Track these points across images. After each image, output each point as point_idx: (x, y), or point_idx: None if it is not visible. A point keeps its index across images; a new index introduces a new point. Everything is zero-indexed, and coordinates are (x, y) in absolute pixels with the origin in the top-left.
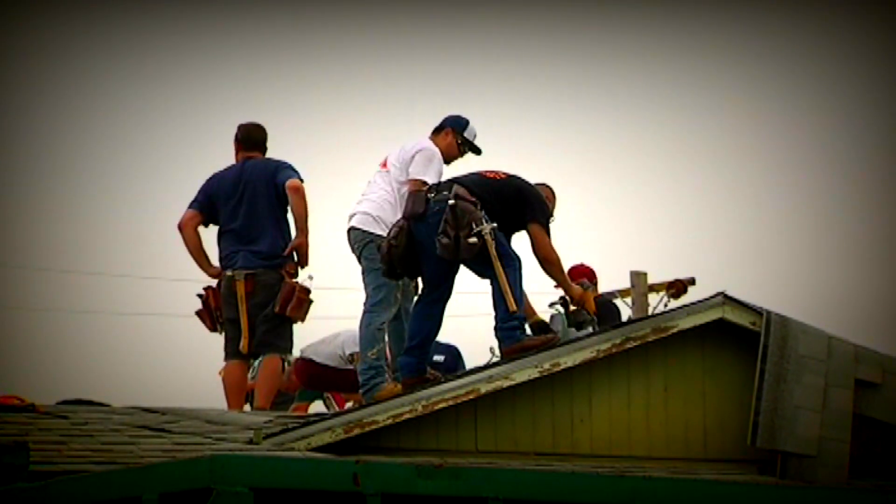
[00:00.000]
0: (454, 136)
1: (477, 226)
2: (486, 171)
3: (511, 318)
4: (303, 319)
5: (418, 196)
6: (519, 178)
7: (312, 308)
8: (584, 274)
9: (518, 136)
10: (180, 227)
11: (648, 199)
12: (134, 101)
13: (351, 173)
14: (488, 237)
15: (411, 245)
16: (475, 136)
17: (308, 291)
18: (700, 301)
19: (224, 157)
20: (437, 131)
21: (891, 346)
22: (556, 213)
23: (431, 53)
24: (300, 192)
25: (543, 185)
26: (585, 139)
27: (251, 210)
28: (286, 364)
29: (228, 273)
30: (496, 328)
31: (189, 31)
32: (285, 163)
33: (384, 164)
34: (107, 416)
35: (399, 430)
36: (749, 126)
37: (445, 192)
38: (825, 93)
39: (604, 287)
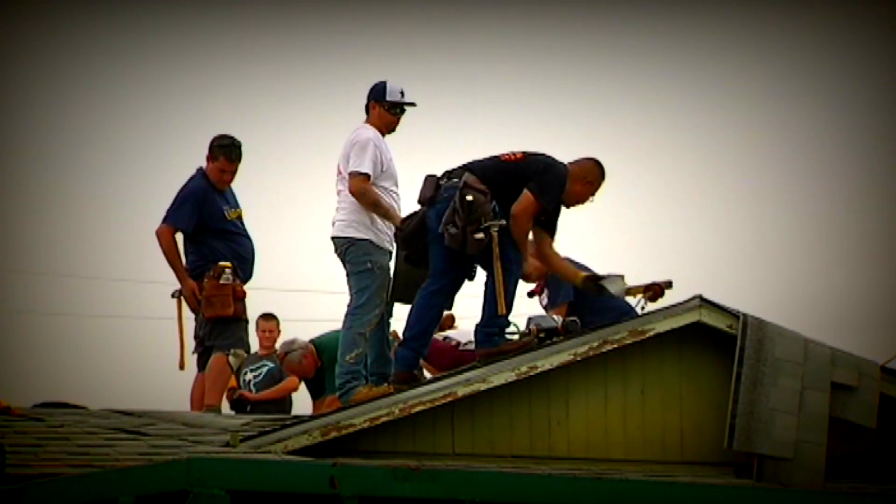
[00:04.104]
0: (380, 107)
1: (485, 221)
2: (504, 154)
3: (495, 322)
4: (229, 313)
5: (428, 180)
6: (540, 156)
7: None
8: None
9: (501, 134)
10: None
11: (625, 201)
12: (104, 103)
13: None
14: (495, 235)
15: (422, 230)
16: (400, 91)
17: (220, 287)
18: (677, 304)
19: (196, 161)
20: (367, 112)
21: (867, 348)
22: (598, 193)
23: (430, 49)
24: (160, 239)
25: (591, 160)
26: (564, 138)
27: None
28: (230, 358)
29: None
30: (479, 326)
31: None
32: (180, 193)
33: (340, 171)
34: (83, 419)
35: (376, 433)
36: (726, 128)
37: (456, 179)
38: (803, 95)
39: None
